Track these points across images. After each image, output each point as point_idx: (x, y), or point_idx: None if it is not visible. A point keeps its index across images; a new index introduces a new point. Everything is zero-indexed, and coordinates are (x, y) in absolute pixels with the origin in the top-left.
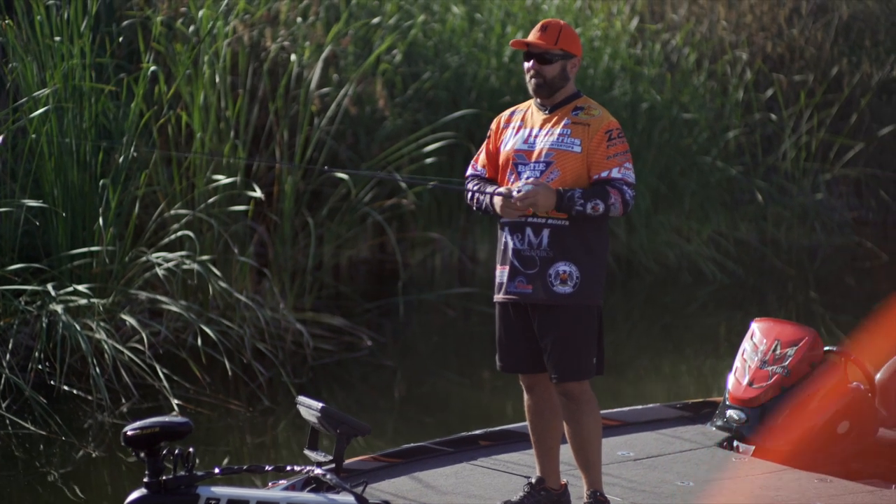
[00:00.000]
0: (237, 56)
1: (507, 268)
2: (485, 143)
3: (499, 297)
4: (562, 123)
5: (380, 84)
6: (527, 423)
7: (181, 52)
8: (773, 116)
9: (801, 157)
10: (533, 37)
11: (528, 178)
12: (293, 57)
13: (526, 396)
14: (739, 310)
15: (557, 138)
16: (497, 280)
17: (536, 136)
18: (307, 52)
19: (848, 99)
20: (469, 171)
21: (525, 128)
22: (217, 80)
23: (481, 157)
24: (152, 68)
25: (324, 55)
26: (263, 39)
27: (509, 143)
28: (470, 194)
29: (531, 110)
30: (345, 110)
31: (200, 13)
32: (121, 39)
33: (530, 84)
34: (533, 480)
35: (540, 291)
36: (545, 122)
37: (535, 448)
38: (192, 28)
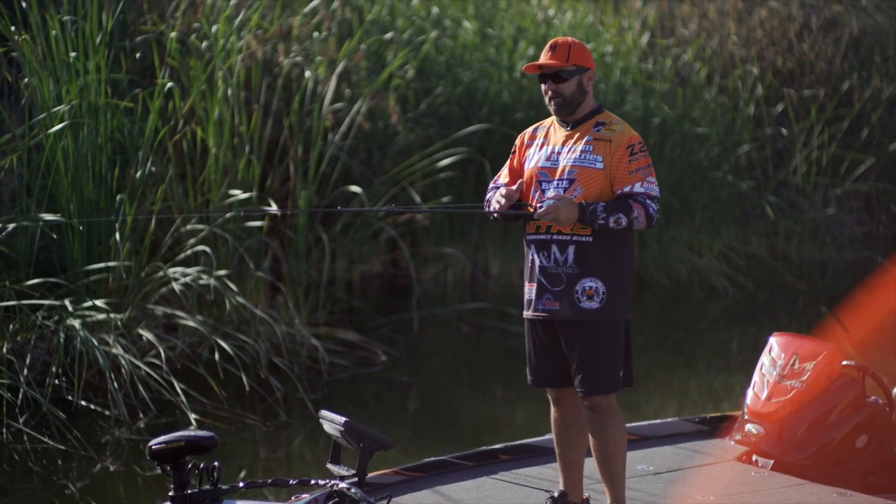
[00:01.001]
0: (251, 71)
1: (535, 285)
2: (509, 159)
3: (528, 314)
4: (584, 140)
5: (392, 99)
6: (551, 436)
7: (195, 67)
8: (784, 131)
9: (811, 172)
10: (544, 58)
11: (552, 195)
12: (307, 73)
13: (553, 409)
14: (751, 325)
15: (580, 155)
16: (526, 297)
17: (559, 154)
18: (321, 68)
19: (858, 114)
20: (490, 185)
21: (548, 145)
22: (231, 95)
23: (503, 172)
24: (169, 84)
25: (337, 71)
26: (276, 55)
27: (533, 160)
28: (487, 204)
29: (553, 127)
30: (358, 125)
31: (214, 28)
32: (137, 55)
33: (551, 106)
34: (556, 494)
35: (567, 308)
36: (567, 138)
37: (560, 461)
38: (205, 43)
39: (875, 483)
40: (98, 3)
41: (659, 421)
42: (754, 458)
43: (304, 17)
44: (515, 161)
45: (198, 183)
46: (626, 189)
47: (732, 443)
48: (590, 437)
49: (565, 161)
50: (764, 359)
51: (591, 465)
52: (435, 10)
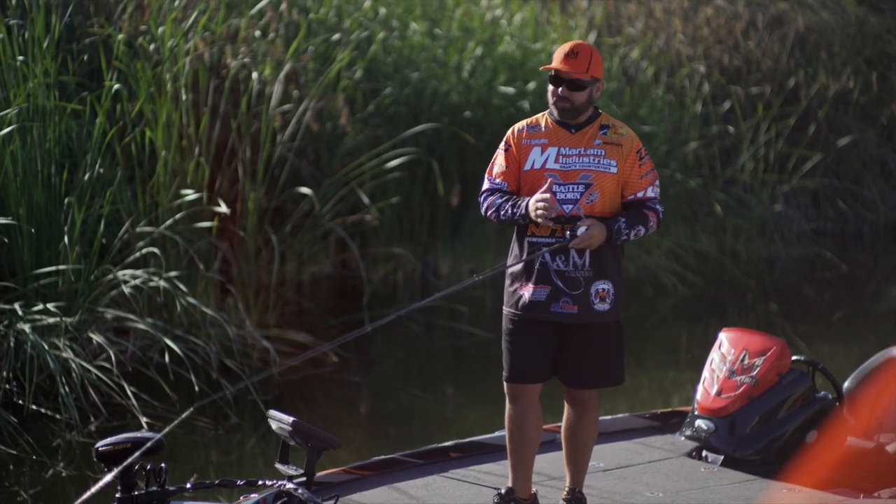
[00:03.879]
0: (198, 74)
1: (549, 288)
2: (502, 156)
3: (535, 315)
4: (594, 144)
5: (341, 100)
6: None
7: (143, 69)
8: (731, 129)
9: (759, 169)
10: (565, 63)
11: (562, 198)
12: (254, 74)
13: (509, 406)
14: (700, 322)
15: (593, 159)
16: (528, 298)
17: (569, 156)
18: (268, 69)
19: (805, 110)
20: (486, 185)
21: (552, 146)
22: (184, 97)
23: (496, 169)
24: (116, 86)
25: (284, 72)
26: (224, 57)
27: (539, 161)
28: (495, 209)
29: (553, 127)
30: (306, 127)
31: (161, 30)
32: (85, 58)
33: (555, 107)
34: (503, 491)
35: (584, 311)
36: (575, 142)
37: (512, 457)
38: (153, 46)
39: (825, 478)
40: (45, 7)
41: (609, 417)
42: (704, 453)
43: (251, 19)
44: (514, 156)
45: (147, 185)
46: (640, 194)
47: (682, 438)
48: (564, 425)
49: (579, 165)
50: (714, 354)
51: (541, 461)
52: (383, 10)
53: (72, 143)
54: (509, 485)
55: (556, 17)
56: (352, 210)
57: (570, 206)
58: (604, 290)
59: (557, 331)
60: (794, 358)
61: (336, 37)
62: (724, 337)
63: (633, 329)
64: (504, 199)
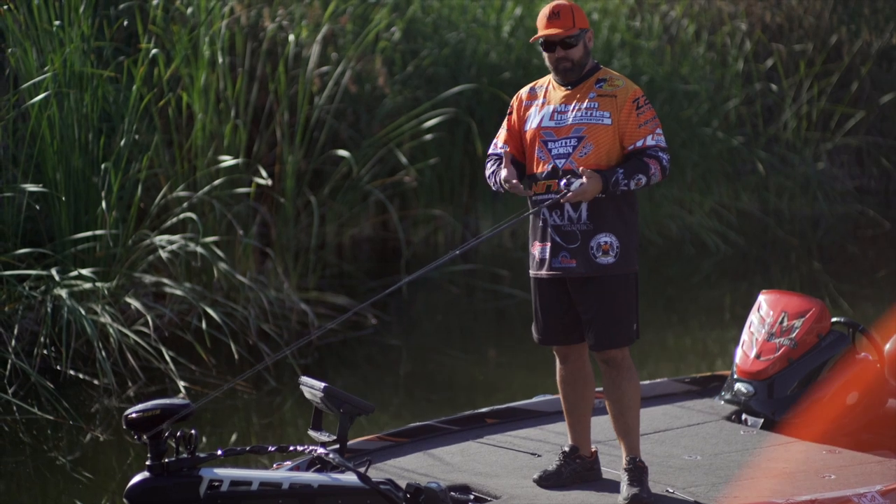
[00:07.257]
0: (235, 37)
1: (549, 244)
2: (505, 120)
3: (542, 273)
4: (588, 97)
5: (379, 61)
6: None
7: (179, 33)
8: (774, 87)
9: (802, 127)
10: (550, 26)
11: (556, 153)
12: (291, 37)
13: (559, 367)
14: (743, 281)
15: (586, 112)
16: (537, 257)
17: (563, 113)
18: (305, 32)
19: (848, 67)
20: (490, 150)
21: (549, 104)
22: (221, 60)
23: (502, 134)
24: (154, 51)
25: (321, 33)
26: (261, 19)
27: (535, 120)
28: (487, 176)
29: (552, 86)
30: (344, 88)
31: None
32: (125, 23)
33: (558, 72)
34: (567, 449)
35: (583, 264)
36: (569, 97)
37: (568, 417)
38: (189, 9)
39: (865, 440)
40: None
41: (647, 381)
42: (744, 416)
43: None
44: (514, 121)
45: (184, 149)
46: (639, 144)
47: (722, 402)
48: (605, 391)
49: (572, 119)
50: (752, 317)
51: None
52: None
53: (109, 108)
54: (571, 443)
55: None
56: (391, 172)
57: (563, 161)
58: (606, 242)
59: (564, 288)
60: (833, 319)
61: None
62: (762, 299)
63: (675, 289)
64: (492, 168)
